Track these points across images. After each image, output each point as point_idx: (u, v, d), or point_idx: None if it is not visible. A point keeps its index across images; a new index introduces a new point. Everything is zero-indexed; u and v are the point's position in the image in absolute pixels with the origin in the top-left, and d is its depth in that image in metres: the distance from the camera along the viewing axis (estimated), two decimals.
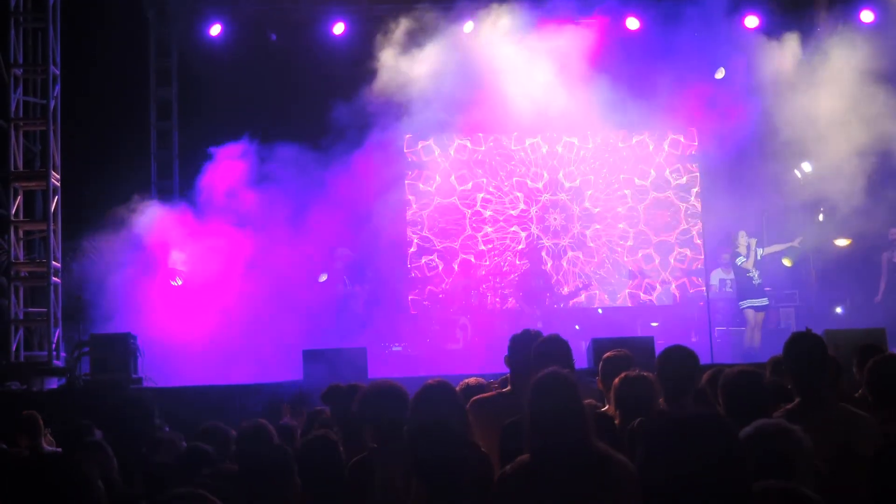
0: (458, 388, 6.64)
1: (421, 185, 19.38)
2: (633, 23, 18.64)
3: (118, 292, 15.78)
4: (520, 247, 19.26)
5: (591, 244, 19.34)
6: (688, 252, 19.45)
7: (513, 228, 19.46)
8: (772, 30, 18.07)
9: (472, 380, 7.20)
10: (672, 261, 19.52)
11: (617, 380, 6.17)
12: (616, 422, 6.08)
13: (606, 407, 6.43)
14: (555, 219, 19.48)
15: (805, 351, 5.48)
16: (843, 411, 5.39)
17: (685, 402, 5.59)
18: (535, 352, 6.21)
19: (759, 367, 6.42)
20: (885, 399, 5.46)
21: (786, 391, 5.52)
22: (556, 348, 6.22)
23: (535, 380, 4.72)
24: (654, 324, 17.45)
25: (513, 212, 19.49)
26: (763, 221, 18.65)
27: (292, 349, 13.80)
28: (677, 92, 17.82)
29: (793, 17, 18.35)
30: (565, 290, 18.49)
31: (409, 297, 19.09)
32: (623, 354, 7.00)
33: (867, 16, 18.02)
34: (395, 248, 18.78)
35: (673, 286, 19.28)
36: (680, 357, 5.89)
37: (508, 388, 6.52)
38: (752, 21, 18.42)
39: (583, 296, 18.52)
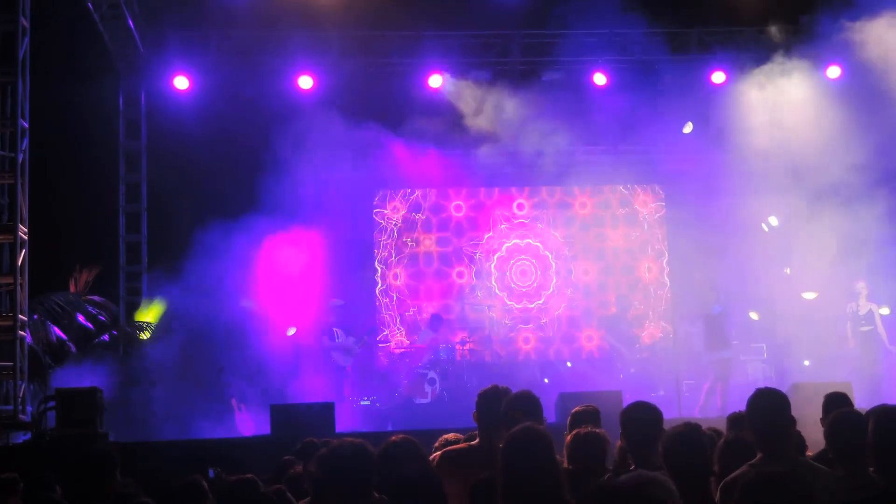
0: (436, 444, 6.62)
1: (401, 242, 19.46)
2: (599, 78, 18.80)
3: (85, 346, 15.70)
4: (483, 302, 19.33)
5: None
6: (654, 302, 19.60)
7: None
8: (738, 83, 18.25)
9: (450, 435, 7.07)
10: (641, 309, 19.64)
11: (569, 437, 6.19)
12: None
13: None
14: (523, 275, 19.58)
15: (768, 406, 5.51)
16: (804, 465, 5.42)
17: (650, 457, 5.59)
18: (505, 407, 6.22)
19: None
20: (843, 455, 5.49)
21: (746, 447, 5.54)
22: (528, 404, 6.24)
23: (508, 435, 4.74)
24: (622, 376, 17.43)
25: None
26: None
27: (264, 404, 13.75)
28: (645, 146, 17.98)
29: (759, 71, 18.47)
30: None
31: (378, 352, 19.06)
32: (591, 409, 7.02)
33: (833, 72, 18.17)
34: (366, 302, 18.79)
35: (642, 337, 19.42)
36: (643, 413, 5.90)
37: (477, 441, 6.50)
38: (718, 77, 18.59)
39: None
